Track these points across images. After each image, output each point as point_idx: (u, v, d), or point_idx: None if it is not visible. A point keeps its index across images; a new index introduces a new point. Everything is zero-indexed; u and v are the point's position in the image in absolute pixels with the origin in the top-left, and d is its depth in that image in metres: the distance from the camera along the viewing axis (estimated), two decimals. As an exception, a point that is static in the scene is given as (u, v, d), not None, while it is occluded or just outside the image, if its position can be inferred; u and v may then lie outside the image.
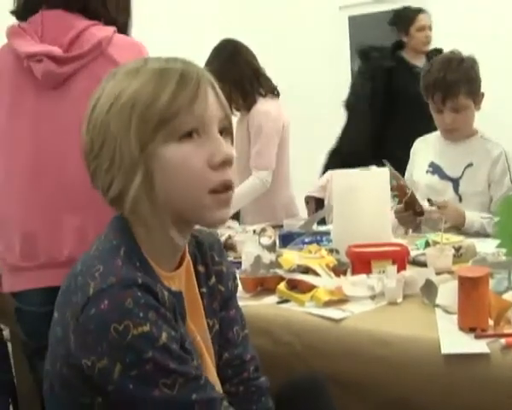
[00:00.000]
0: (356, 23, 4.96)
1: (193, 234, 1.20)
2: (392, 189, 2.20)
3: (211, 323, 1.20)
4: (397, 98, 3.54)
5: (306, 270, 1.76)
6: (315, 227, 2.53)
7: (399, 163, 2.62)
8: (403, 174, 2.54)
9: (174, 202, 1.04)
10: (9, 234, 1.64)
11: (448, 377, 1.31)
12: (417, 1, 4.06)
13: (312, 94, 4.95)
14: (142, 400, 0.97)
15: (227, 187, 1.06)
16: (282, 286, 1.70)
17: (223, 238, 2.16)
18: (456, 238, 2.01)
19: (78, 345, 0.97)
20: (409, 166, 2.68)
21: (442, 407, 1.33)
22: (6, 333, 2.20)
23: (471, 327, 1.36)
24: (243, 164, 3.05)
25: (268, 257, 1.84)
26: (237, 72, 3.00)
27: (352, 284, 1.67)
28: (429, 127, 2.63)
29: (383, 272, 1.68)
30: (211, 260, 1.23)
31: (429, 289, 1.57)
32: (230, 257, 2.00)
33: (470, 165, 2.47)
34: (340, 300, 1.61)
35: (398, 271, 1.66)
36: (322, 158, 3.88)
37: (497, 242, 1.77)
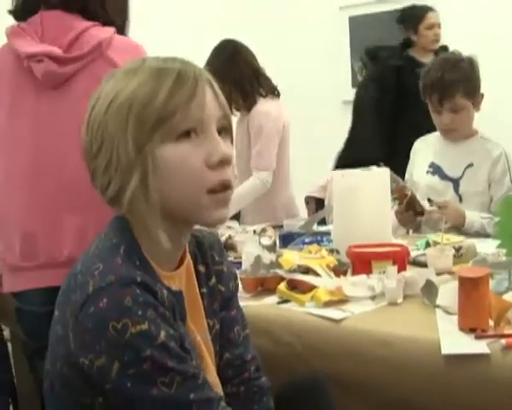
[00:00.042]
0: (356, 23, 4.95)
1: (193, 234, 1.20)
2: (392, 192, 2.20)
3: (211, 323, 1.20)
4: (406, 97, 3.51)
5: (307, 270, 1.76)
6: (315, 227, 2.53)
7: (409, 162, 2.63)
8: None
9: (172, 202, 1.04)
10: (9, 234, 1.64)
11: (448, 377, 1.31)
12: (417, 1, 4.05)
13: (312, 94, 4.95)
14: (140, 398, 0.97)
15: (225, 187, 1.06)
16: (282, 286, 1.70)
17: (223, 238, 2.16)
18: (456, 239, 2.01)
19: (78, 344, 0.98)
20: (409, 167, 2.68)
21: (442, 407, 1.33)
22: (6, 333, 2.20)
23: (471, 328, 1.36)
24: (243, 164, 3.05)
25: (268, 257, 1.84)
26: (237, 72, 3.00)
27: (353, 284, 1.67)
28: None
29: (383, 272, 1.68)
30: (211, 260, 1.23)
31: (429, 289, 1.57)
32: (231, 257, 2.00)
33: (470, 165, 2.47)
34: (341, 300, 1.61)
35: (399, 271, 1.67)
36: (322, 158, 3.87)
37: (498, 242, 1.77)
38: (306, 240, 2.18)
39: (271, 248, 1.96)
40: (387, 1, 4.75)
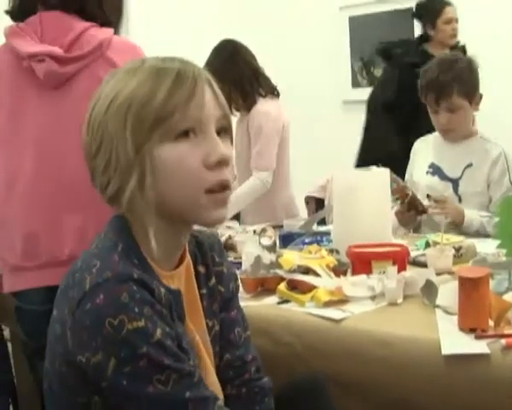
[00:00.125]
0: (356, 23, 4.95)
1: (193, 234, 1.20)
2: (392, 192, 2.20)
3: (210, 324, 1.20)
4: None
5: (307, 270, 1.76)
6: (315, 227, 2.53)
7: None
8: None
9: (171, 201, 1.05)
10: (11, 234, 1.64)
11: (448, 377, 1.31)
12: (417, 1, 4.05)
13: (312, 94, 4.95)
14: (135, 396, 0.97)
15: (223, 187, 1.06)
16: (282, 286, 1.70)
17: (223, 238, 2.16)
18: (456, 239, 2.01)
19: (75, 342, 0.98)
20: (409, 167, 2.68)
21: (442, 408, 1.33)
22: (6, 333, 2.20)
23: (471, 328, 1.36)
24: (243, 164, 3.05)
25: (268, 257, 1.84)
26: (237, 72, 2.99)
27: (353, 284, 1.67)
28: None
29: (383, 272, 1.68)
30: (211, 261, 1.23)
31: (429, 289, 1.57)
32: (231, 257, 2.00)
33: (470, 165, 2.47)
34: (341, 300, 1.61)
35: (399, 271, 1.66)
36: (322, 158, 3.88)
37: (498, 242, 1.77)
38: (306, 240, 2.18)
39: (271, 249, 1.96)
40: (387, 1, 4.75)
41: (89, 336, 0.96)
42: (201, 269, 1.21)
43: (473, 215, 2.35)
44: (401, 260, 1.77)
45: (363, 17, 4.92)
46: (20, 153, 1.63)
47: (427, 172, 2.56)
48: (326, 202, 3.29)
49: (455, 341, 1.34)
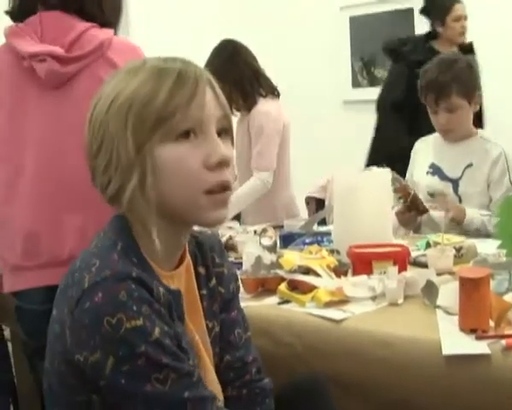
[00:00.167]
0: (357, 23, 4.94)
1: (193, 234, 1.20)
2: (395, 191, 2.20)
3: (210, 325, 1.20)
4: None
5: (307, 270, 1.76)
6: (315, 228, 2.53)
7: None
8: None
9: (171, 202, 1.05)
10: (11, 234, 1.64)
11: (449, 378, 1.31)
12: (418, 1, 4.05)
13: (312, 94, 4.95)
14: (133, 395, 0.97)
15: (224, 188, 1.06)
16: (282, 287, 1.70)
17: (223, 239, 2.16)
18: (456, 239, 2.01)
19: (74, 340, 0.98)
20: (409, 167, 2.68)
21: (443, 408, 1.33)
22: (6, 333, 2.20)
23: (472, 328, 1.36)
24: (244, 165, 3.05)
25: (269, 258, 1.84)
26: (237, 72, 2.99)
27: (353, 284, 1.67)
28: None
29: (384, 272, 1.68)
30: (211, 262, 1.23)
31: (430, 290, 1.57)
32: (231, 258, 2.00)
33: (470, 165, 2.47)
34: (341, 300, 1.61)
35: (399, 271, 1.66)
36: (322, 158, 3.87)
37: (498, 242, 1.76)
38: (307, 240, 2.18)
39: (272, 249, 1.96)
40: (388, 1, 4.75)
41: (87, 334, 0.96)
42: (201, 270, 1.21)
43: (474, 213, 2.36)
44: (402, 260, 1.77)
45: (363, 17, 4.92)
46: (21, 153, 1.63)
47: (427, 173, 2.56)
48: (326, 203, 3.28)
49: (455, 341, 1.34)
